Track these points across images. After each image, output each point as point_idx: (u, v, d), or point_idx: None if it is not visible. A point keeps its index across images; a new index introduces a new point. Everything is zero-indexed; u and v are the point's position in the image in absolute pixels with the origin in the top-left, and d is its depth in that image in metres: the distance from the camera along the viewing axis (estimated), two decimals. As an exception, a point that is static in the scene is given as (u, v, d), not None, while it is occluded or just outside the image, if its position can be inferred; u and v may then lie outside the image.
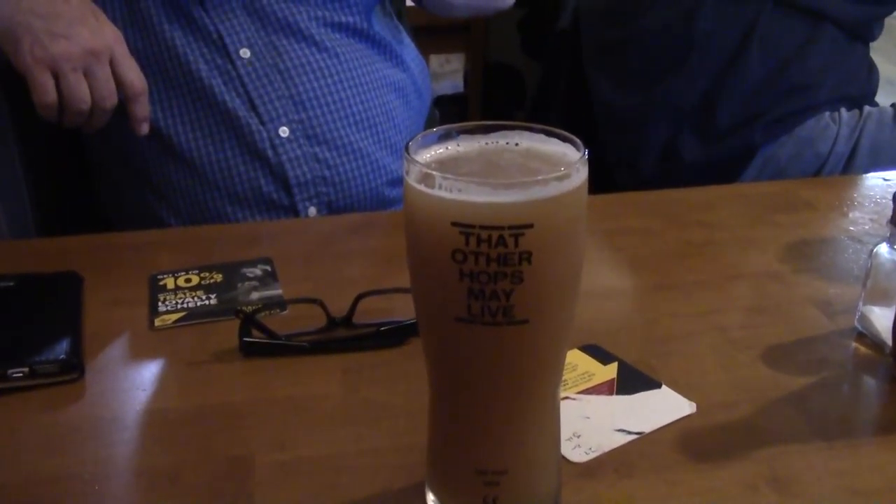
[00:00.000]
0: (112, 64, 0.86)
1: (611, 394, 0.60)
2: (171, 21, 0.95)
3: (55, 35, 0.83)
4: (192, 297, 0.72)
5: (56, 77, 0.83)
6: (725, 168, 1.23)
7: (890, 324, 0.61)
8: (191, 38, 0.95)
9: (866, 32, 1.26)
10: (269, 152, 0.96)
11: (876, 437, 0.57)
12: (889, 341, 0.62)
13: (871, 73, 1.30)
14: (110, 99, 0.86)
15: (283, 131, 0.97)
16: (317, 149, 0.98)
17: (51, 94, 0.83)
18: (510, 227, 0.39)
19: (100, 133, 0.91)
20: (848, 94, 1.25)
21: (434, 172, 0.40)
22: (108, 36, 0.87)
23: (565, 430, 0.52)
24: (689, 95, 1.24)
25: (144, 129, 0.91)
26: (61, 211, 1.08)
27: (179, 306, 0.71)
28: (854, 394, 0.63)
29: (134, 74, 0.88)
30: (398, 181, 1.03)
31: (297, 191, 0.97)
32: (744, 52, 1.19)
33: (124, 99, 0.88)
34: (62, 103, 0.84)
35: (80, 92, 0.84)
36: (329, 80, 0.99)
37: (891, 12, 1.26)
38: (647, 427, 0.57)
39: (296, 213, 0.98)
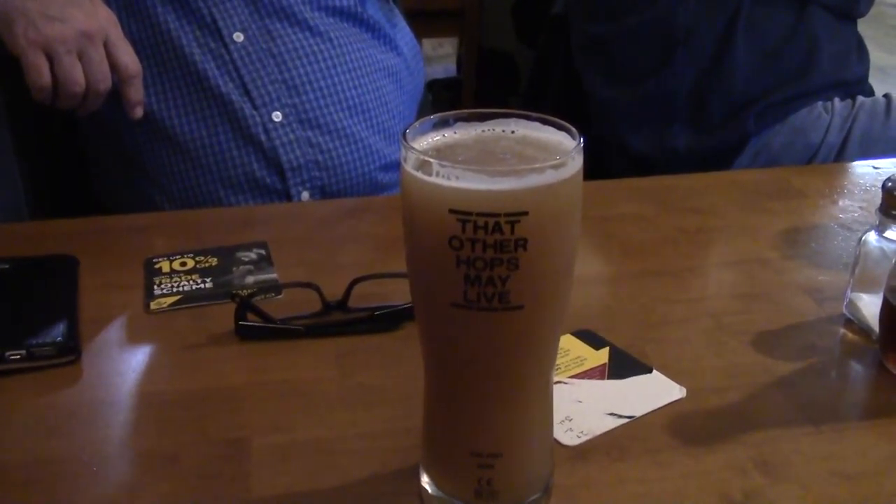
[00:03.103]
0: (106, 46, 0.86)
1: (602, 378, 0.61)
2: (165, 4, 0.94)
3: (49, 17, 0.83)
4: (188, 281, 0.72)
5: (50, 60, 0.83)
6: (718, 157, 1.23)
7: (877, 311, 0.62)
8: (184, 22, 0.95)
9: (853, 9, 1.25)
10: (263, 137, 0.96)
11: (863, 422, 0.58)
12: (876, 328, 0.63)
13: (861, 52, 1.29)
14: (104, 82, 0.86)
15: (277, 116, 0.97)
16: (310, 133, 0.98)
17: (45, 77, 0.83)
18: (506, 215, 0.40)
19: (93, 117, 0.91)
20: (842, 79, 1.25)
21: (431, 160, 0.41)
22: (102, 18, 0.86)
23: (558, 414, 0.53)
24: (679, 87, 1.24)
25: (138, 112, 0.91)
26: (54, 196, 1.08)
27: (175, 290, 0.71)
28: (842, 379, 0.63)
29: (128, 57, 0.88)
30: (391, 166, 1.04)
31: (290, 175, 0.97)
32: (730, 42, 1.19)
33: (118, 82, 0.88)
34: (56, 86, 0.84)
35: (75, 74, 0.84)
36: (322, 65, 0.99)
37: None
38: (638, 411, 0.58)
39: (289, 198, 0.98)
